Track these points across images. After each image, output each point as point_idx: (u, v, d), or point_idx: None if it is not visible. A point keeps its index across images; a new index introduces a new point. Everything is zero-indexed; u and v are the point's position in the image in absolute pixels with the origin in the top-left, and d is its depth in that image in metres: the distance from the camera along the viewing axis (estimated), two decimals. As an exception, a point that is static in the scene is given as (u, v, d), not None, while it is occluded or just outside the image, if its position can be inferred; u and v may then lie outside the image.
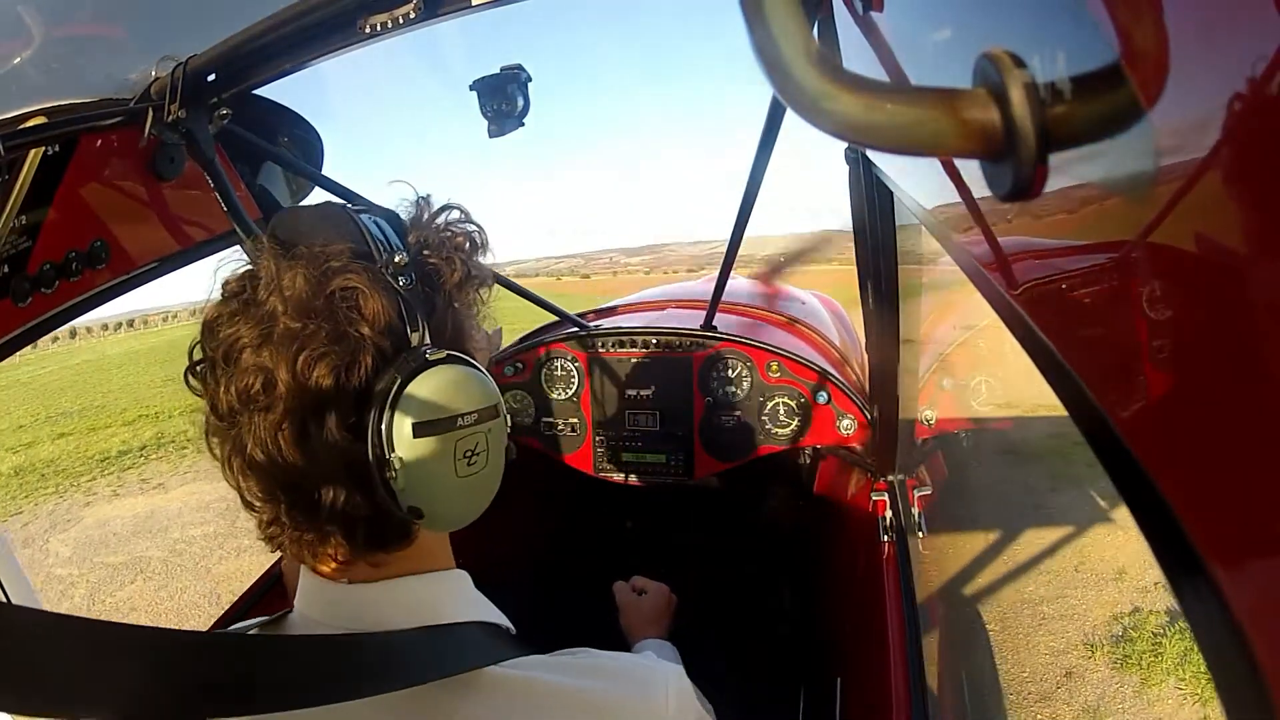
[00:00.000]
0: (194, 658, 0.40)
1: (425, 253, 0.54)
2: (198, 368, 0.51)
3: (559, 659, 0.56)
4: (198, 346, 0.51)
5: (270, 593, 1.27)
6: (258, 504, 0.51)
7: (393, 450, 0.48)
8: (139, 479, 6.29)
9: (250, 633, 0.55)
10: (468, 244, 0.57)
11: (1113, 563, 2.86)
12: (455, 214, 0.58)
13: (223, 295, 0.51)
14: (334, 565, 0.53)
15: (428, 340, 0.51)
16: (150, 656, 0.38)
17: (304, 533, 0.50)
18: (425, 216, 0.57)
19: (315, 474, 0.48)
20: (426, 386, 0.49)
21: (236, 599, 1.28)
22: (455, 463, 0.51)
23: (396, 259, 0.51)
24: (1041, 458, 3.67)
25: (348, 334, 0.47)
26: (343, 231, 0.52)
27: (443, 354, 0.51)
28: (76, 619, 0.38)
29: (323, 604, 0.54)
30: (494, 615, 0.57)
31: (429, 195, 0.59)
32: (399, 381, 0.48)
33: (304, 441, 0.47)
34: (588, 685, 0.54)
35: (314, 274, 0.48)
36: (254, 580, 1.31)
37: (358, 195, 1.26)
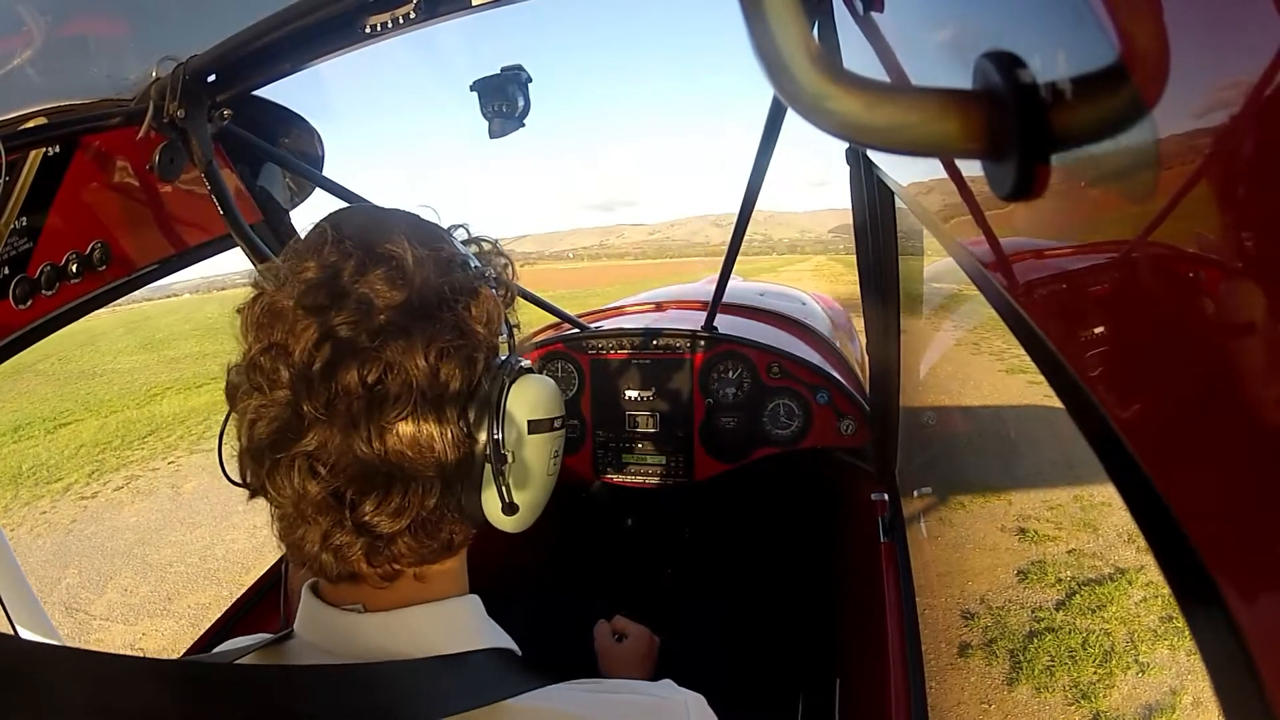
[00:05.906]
0: (201, 688, 0.39)
1: (490, 266, 0.56)
2: (267, 354, 0.45)
3: (574, 692, 0.53)
4: (253, 338, 0.47)
5: (268, 598, 1.26)
6: (314, 514, 0.46)
7: (505, 447, 0.50)
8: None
9: (247, 657, 0.52)
10: (505, 261, 0.60)
11: (1108, 566, 2.86)
12: (466, 233, 0.60)
13: (299, 279, 0.46)
14: (377, 583, 0.50)
15: (512, 348, 0.55)
16: (153, 689, 0.36)
17: (373, 539, 0.47)
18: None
19: (413, 472, 0.46)
20: (529, 391, 0.52)
21: (232, 603, 1.26)
22: (550, 461, 0.55)
23: (491, 268, 0.54)
24: (1041, 454, 3.67)
25: (472, 330, 0.49)
26: (434, 235, 0.52)
27: (527, 363, 0.55)
28: (70, 650, 0.37)
29: (330, 632, 0.51)
30: (504, 640, 0.55)
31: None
32: (508, 384, 0.50)
33: (418, 436, 0.46)
34: (606, 715, 0.52)
35: (435, 268, 0.48)
36: (250, 584, 1.30)
37: (359, 196, 1.27)
